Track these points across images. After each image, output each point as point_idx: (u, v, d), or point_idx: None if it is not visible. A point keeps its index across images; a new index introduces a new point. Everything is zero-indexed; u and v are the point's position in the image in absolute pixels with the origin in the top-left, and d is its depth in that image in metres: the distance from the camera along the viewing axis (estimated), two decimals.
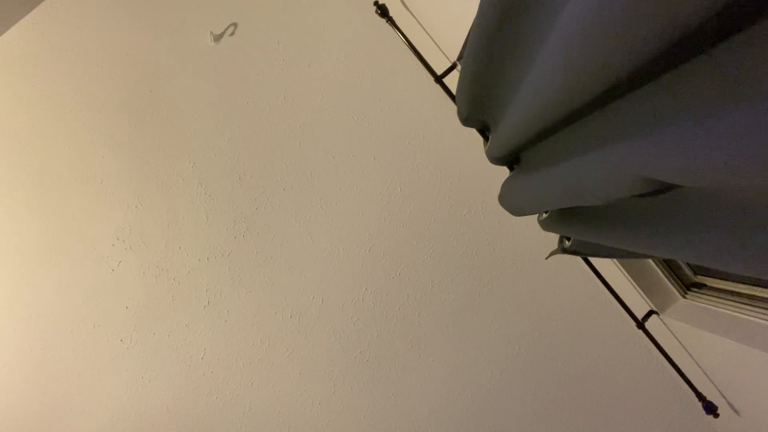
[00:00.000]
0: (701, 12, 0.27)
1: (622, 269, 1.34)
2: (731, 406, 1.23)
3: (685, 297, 1.31)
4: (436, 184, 1.51)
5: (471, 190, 1.51)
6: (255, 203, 1.51)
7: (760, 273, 0.40)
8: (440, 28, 1.32)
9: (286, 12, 1.54)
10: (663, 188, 0.43)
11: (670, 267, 1.33)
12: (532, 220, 1.34)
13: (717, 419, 1.25)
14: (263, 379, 1.49)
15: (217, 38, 1.53)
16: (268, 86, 1.53)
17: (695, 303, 1.26)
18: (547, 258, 1.19)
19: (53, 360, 1.49)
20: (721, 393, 1.24)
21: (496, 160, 0.98)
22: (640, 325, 1.29)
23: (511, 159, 0.96)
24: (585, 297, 1.48)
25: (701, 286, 1.29)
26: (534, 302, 1.49)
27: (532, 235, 1.48)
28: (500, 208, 1.10)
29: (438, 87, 1.30)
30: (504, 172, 1.05)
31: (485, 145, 1.03)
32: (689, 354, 1.29)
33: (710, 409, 1.23)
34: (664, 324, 1.32)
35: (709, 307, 1.19)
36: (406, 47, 1.34)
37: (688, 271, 1.32)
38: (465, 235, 1.50)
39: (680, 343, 1.30)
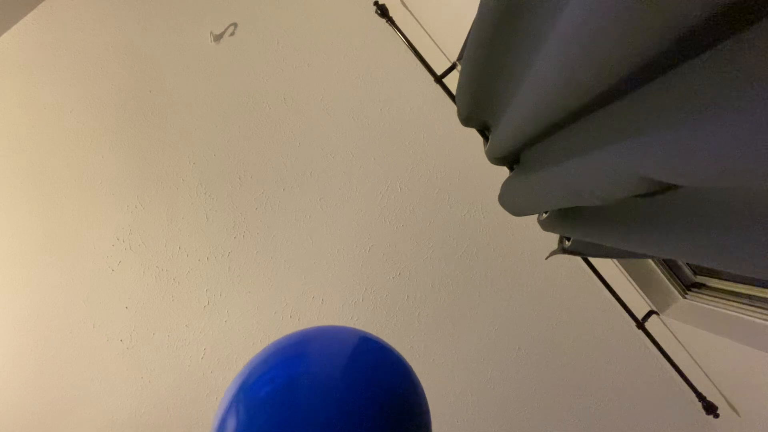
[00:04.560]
0: (701, 12, 0.27)
1: (622, 269, 1.34)
2: (731, 406, 1.23)
3: (685, 297, 1.31)
4: (436, 184, 1.51)
5: (471, 191, 1.51)
6: (255, 203, 1.51)
7: (759, 273, 0.40)
8: (440, 28, 1.32)
9: (286, 12, 1.54)
10: (663, 188, 0.43)
11: (670, 267, 1.33)
12: (532, 220, 1.34)
13: (717, 419, 1.25)
14: None
15: (217, 38, 1.53)
16: (268, 86, 1.53)
17: (695, 303, 1.26)
18: (547, 258, 1.19)
19: (53, 360, 1.49)
20: (721, 393, 1.24)
21: (496, 160, 0.98)
22: (640, 325, 1.29)
23: (511, 159, 0.96)
24: (585, 297, 1.48)
25: (701, 286, 1.29)
26: (534, 302, 1.49)
27: (532, 236, 1.48)
28: (500, 208, 1.10)
29: (438, 87, 1.31)
30: (504, 172, 1.05)
31: (485, 145, 1.03)
32: (689, 354, 1.29)
33: (710, 409, 1.23)
34: (664, 324, 1.32)
35: (709, 307, 1.19)
36: (406, 47, 1.34)
37: (688, 271, 1.33)
38: (465, 235, 1.50)
39: (680, 343, 1.30)
